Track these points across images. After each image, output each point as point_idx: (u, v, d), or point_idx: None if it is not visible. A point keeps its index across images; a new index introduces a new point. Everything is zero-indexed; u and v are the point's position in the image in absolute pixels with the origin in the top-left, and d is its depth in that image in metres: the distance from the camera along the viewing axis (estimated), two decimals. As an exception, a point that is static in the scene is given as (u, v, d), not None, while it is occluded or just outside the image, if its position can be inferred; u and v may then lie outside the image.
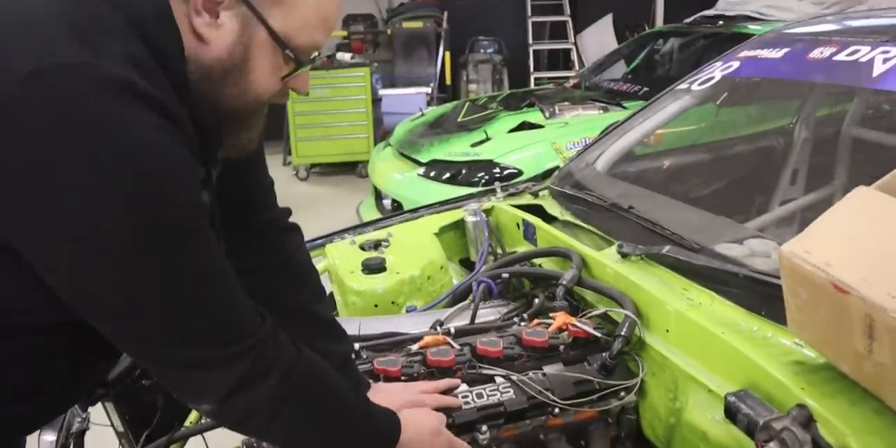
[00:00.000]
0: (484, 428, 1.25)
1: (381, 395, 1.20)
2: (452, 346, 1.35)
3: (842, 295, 0.96)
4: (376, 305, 1.79)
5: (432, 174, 3.99)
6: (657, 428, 1.38)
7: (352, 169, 6.78)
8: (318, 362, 1.02)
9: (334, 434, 1.02)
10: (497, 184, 2.18)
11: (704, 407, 1.23)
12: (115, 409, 1.56)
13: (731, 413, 1.08)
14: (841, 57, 1.80)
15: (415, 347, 1.39)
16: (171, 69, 0.84)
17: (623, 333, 1.34)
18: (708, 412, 1.22)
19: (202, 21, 0.85)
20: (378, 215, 4.06)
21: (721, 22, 4.98)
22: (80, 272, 0.79)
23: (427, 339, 1.40)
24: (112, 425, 1.59)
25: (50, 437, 1.48)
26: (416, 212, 2.14)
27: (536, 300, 1.61)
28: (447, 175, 3.94)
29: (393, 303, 1.81)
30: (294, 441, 1.01)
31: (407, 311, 1.76)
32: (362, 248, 1.94)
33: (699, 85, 2.18)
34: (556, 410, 1.30)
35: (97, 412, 1.56)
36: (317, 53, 0.95)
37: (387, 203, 4.41)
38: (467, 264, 2.09)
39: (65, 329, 0.91)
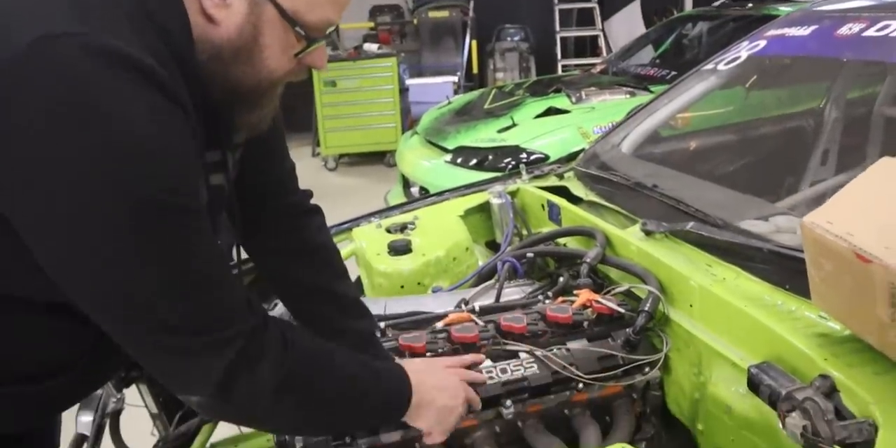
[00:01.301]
0: (508, 402, 1.26)
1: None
2: (477, 324, 1.37)
3: (865, 264, 0.95)
4: (402, 287, 1.81)
5: (459, 161, 4.00)
6: (682, 403, 1.38)
7: (380, 158, 6.81)
8: (316, 346, 0.99)
9: (345, 409, 1.00)
10: (522, 166, 2.18)
11: (728, 380, 1.23)
12: (149, 390, 1.60)
13: (753, 384, 1.08)
14: (871, 33, 1.77)
15: (439, 325, 1.40)
16: (178, 50, 0.84)
17: (647, 309, 1.34)
18: (732, 385, 1.22)
19: (211, 2, 0.86)
20: (406, 203, 4.08)
21: (750, 4, 4.91)
22: (59, 245, 0.77)
23: (451, 316, 1.41)
24: (146, 406, 1.63)
25: (86, 417, 1.52)
26: (442, 195, 2.16)
27: (561, 279, 1.62)
28: (474, 161, 3.94)
29: (419, 284, 1.82)
30: (303, 424, 0.99)
31: (433, 292, 1.78)
32: (388, 230, 1.96)
33: (725, 65, 2.16)
34: (581, 386, 1.31)
35: (132, 394, 1.60)
36: (332, 29, 0.95)
37: (414, 191, 4.42)
38: (493, 246, 2.10)
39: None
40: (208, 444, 1.64)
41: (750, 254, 1.33)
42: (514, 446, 1.32)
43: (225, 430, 1.68)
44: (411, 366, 1.23)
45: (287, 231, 1.22)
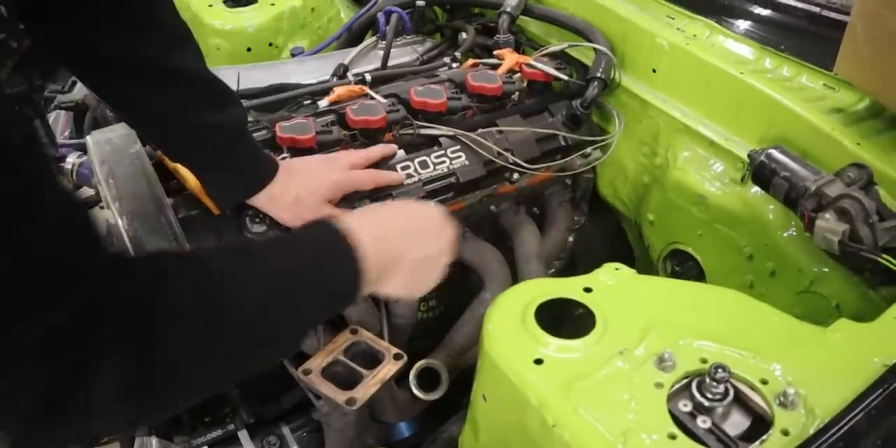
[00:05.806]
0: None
1: (298, 176, 0.87)
2: (377, 101, 1.01)
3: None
4: (249, 49, 1.42)
5: None
6: (621, 188, 1.16)
7: None
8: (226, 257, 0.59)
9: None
10: None
11: (702, 164, 0.99)
12: None
13: (761, 175, 0.85)
14: None
15: (324, 103, 1.04)
16: None
17: (600, 74, 1.04)
18: (705, 170, 0.99)
19: None
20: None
21: None
22: None
23: (339, 90, 1.05)
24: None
25: None
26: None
27: (464, 34, 1.27)
28: None
29: (271, 44, 1.44)
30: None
31: (293, 56, 1.37)
32: (213, -28, 1.47)
33: None
34: (516, 176, 1.03)
35: None
36: None
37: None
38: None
39: None
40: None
41: (728, 3, 1.04)
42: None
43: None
44: (297, 166, 0.88)
45: None
